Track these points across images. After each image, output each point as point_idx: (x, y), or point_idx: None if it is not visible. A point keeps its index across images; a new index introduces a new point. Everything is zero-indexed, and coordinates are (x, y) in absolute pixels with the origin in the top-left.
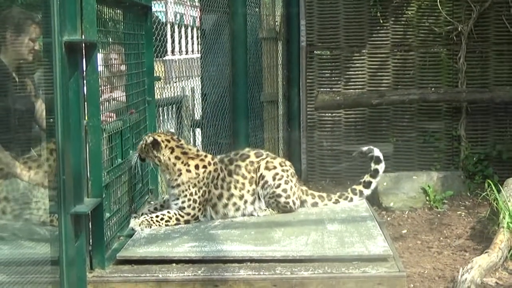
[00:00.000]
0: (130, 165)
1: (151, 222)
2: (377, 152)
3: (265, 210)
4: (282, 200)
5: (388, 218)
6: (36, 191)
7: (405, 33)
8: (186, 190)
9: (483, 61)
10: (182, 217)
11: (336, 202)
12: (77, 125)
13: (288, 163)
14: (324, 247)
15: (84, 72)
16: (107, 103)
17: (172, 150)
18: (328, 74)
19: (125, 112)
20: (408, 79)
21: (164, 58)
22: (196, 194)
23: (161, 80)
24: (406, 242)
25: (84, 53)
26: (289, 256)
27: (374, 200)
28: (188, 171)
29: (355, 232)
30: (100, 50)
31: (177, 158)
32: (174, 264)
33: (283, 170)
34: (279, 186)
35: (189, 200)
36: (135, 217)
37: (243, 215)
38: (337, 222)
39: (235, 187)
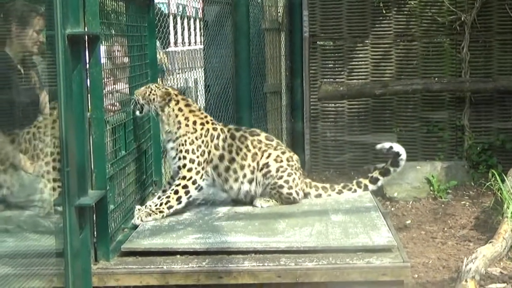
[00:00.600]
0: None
1: (150, 212)
2: (399, 158)
3: (269, 201)
4: (285, 191)
5: (392, 209)
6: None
7: (408, 23)
8: (183, 145)
9: (487, 50)
10: (179, 185)
11: (340, 192)
12: (81, 118)
13: (295, 157)
14: (328, 238)
15: (87, 65)
16: (111, 95)
17: (178, 102)
18: (331, 65)
19: (129, 104)
20: (412, 69)
21: (167, 50)
22: (193, 153)
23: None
24: (410, 233)
25: (87, 46)
26: (293, 247)
27: (378, 190)
28: (187, 125)
29: (359, 223)
30: (103, 42)
31: (180, 110)
32: (178, 256)
33: (288, 165)
34: (281, 177)
35: (184, 158)
36: (139, 210)
37: (239, 190)
38: (341, 213)
39: (237, 154)
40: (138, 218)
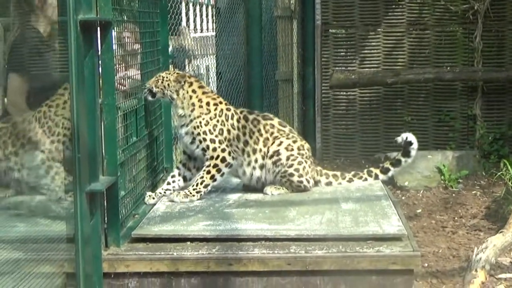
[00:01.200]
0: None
1: (188, 193)
2: (411, 147)
3: (279, 189)
4: (295, 179)
5: (403, 198)
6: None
7: (420, 12)
8: (198, 127)
9: (499, 40)
10: (209, 165)
11: (350, 181)
12: (92, 104)
13: (306, 146)
14: (339, 226)
15: (99, 51)
16: (122, 81)
17: (191, 84)
18: (343, 53)
19: (140, 91)
20: (424, 58)
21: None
22: (211, 133)
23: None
24: (421, 222)
25: (99, 32)
26: (304, 235)
27: (389, 179)
28: (200, 106)
29: (369, 211)
30: (115, 28)
31: (193, 91)
32: (188, 243)
33: (299, 153)
34: (291, 166)
35: (204, 140)
36: (149, 196)
37: (251, 176)
38: (351, 201)
39: (250, 137)
40: (176, 196)
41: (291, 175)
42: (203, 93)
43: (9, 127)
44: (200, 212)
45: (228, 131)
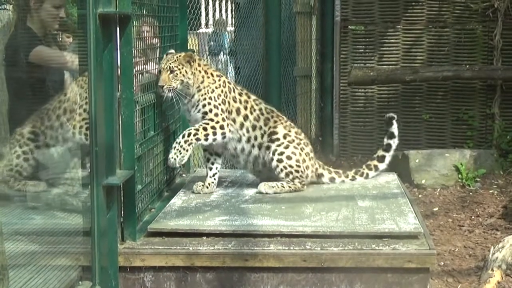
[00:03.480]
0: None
1: (180, 149)
2: (392, 127)
3: (273, 187)
4: (292, 165)
5: (420, 196)
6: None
7: (440, 9)
8: (206, 94)
9: None
10: (207, 124)
11: (353, 179)
12: (110, 97)
13: (303, 135)
14: (355, 223)
15: (118, 44)
16: (141, 75)
17: (195, 60)
18: (362, 50)
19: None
20: (443, 56)
21: (197, 31)
22: (215, 100)
23: (195, 53)
24: (437, 220)
25: (118, 25)
26: (319, 231)
27: (406, 177)
28: (208, 77)
29: (386, 209)
30: (134, 22)
31: (199, 65)
32: (204, 237)
33: (296, 143)
34: (287, 154)
35: (209, 104)
36: (202, 185)
37: (249, 154)
38: (368, 199)
39: (251, 112)
40: (171, 159)
41: (281, 161)
42: (205, 65)
43: (48, 105)
44: (217, 207)
45: (229, 103)
